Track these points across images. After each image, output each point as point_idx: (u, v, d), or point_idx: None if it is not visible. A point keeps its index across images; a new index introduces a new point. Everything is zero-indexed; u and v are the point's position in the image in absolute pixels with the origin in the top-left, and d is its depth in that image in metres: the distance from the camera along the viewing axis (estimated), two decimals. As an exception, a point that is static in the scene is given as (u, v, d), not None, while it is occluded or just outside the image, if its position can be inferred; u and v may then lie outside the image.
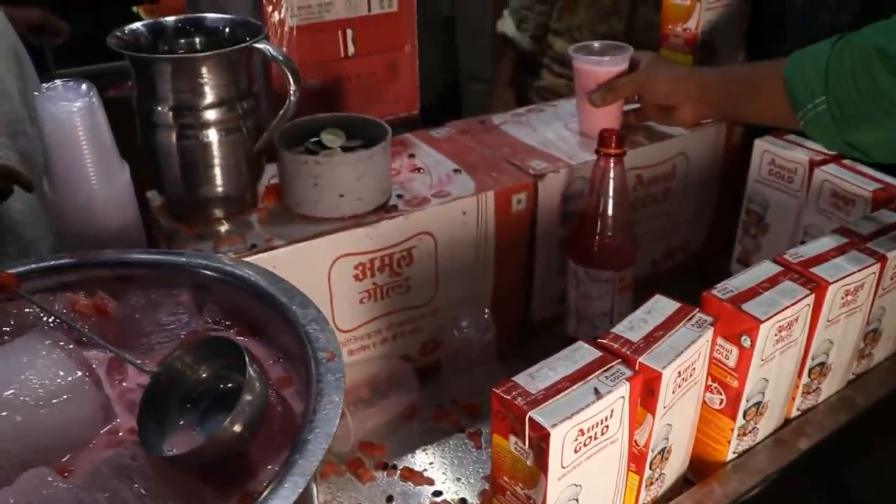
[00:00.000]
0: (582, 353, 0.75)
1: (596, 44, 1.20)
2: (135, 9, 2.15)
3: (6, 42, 1.63)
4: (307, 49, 1.14)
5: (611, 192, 1.00)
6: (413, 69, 1.24)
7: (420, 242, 1.00)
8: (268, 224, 0.96)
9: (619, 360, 0.74)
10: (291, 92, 0.90)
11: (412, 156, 1.12)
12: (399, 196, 1.01)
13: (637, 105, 1.19)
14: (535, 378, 0.72)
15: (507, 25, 2.03)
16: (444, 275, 1.04)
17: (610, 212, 1.01)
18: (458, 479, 0.96)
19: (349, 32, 1.16)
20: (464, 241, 1.03)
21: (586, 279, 1.05)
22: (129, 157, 0.94)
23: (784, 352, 0.87)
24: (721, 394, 0.86)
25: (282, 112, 0.92)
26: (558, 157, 1.12)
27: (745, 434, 0.90)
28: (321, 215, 0.96)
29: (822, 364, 0.96)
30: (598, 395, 0.70)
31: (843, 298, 0.90)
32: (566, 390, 0.70)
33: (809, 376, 0.95)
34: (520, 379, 0.72)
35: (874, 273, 0.92)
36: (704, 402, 0.88)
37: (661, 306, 0.82)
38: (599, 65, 1.16)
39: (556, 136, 1.19)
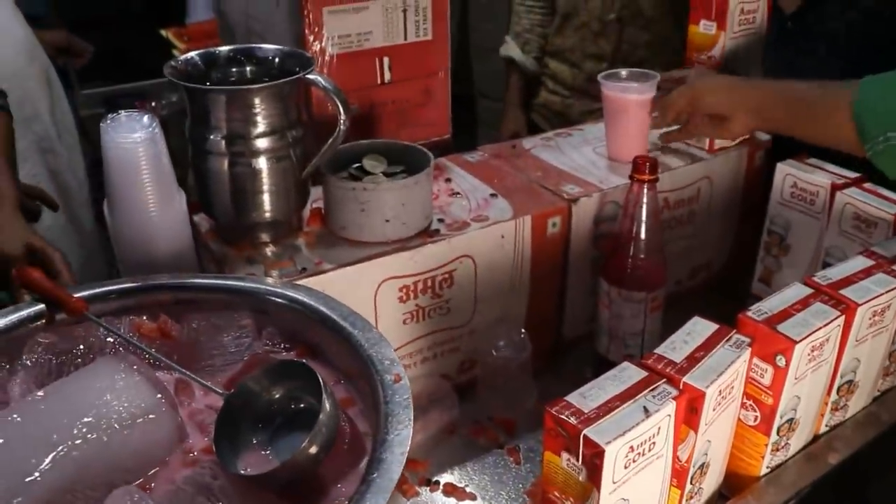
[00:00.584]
0: (629, 373, 0.79)
1: (624, 71, 1.24)
2: (163, 32, 2.19)
3: (39, 64, 1.68)
4: (346, 76, 1.17)
5: (644, 217, 1.04)
6: (446, 94, 1.29)
7: (460, 265, 1.03)
8: (315, 248, 1.00)
9: (664, 379, 0.78)
10: (342, 122, 0.94)
11: (448, 180, 1.16)
12: (440, 220, 1.05)
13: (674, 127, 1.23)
14: (587, 397, 0.75)
15: (511, 49, 2.10)
16: (483, 296, 1.08)
17: (643, 235, 1.05)
18: (500, 494, 0.99)
19: (386, 60, 1.20)
20: (501, 263, 1.07)
21: (619, 299, 1.08)
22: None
23: (816, 370, 0.91)
24: (756, 411, 0.90)
25: (331, 140, 0.96)
26: (589, 182, 1.16)
27: (777, 450, 0.94)
28: (367, 239, 0.99)
29: (850, 381, 0.99)
30: (647, 413, 0.73)
31: (870, 319, 0.94)
32: (617, 409, 0.73)
33: (838, 393, 0.99)
34: (572, 398, 0.75)
35: (901, 294, 0.96)
36: (739, 418, 0.91)
37: (700, 328, 0.86)
38: (627, 91, 1.20)
39: (586, 161, 1.23)
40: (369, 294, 0.98)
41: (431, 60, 1.24)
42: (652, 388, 0.76)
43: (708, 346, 0.83)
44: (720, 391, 0.80)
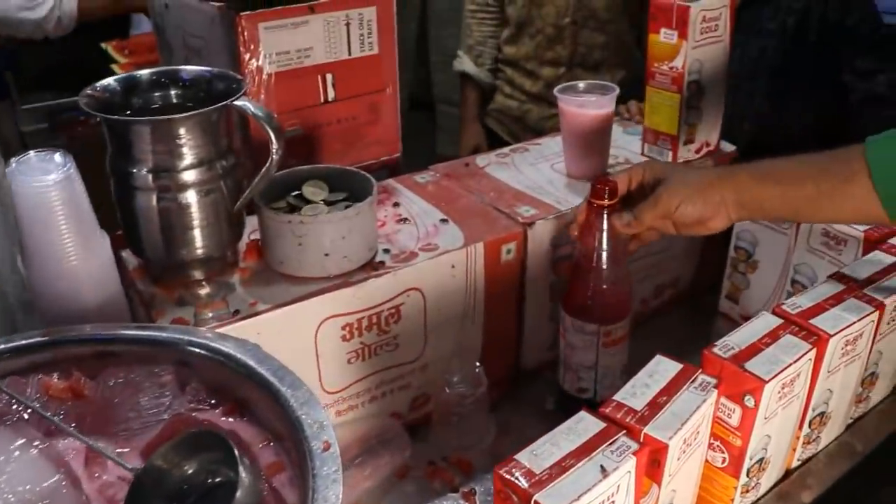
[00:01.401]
0: (585, 424, 0.72)
1: (581, 84, 1.18)
2: (104, 45, 2.10)
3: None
4: (286, 95, 1.10)
5: (603, 245, 0.97)
6: (395, 111, 1.22)
7: (408, 299, 0.97)
8: (251, 285, 0.93)
9: (624, 431, 0.72)
10: (273, 151, 0.87)
11: (397, 204, 1.09)
12: (385, 251, 0.98)
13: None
14: (539, 455, 0.69)
15: (465, 64, 2.07)
16: (433, 329, 1.01)
17: (601, 265, 0.98)
18: (455, 543, 0.93)
19: (329, 77, 1.13)
20: (453, 294, 1.01)
21: (572, 329, 1.02)
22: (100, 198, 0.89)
23: (786, 407, 0.85)
24: (724, 452, 0.84)
25: (263, 171, 0.88)
26: (546, 203, 1.10)
27: (747, 491, 0.88)
28: (306, 275, 0.92)
29: (822, 413, 0.94)
30: (604, 472, 0.67)
31: (843, 349, 0.88)
32: (571, 469, 0.67)
33: (810, 426, 0.93)
34: (522, 457, 0.69)
35: (873, 321, 0.91)
36: (707, 460, 0.85)
37: (663, 368, 0.80)
38: (584, 106, 1.14)
39: (543, 179, 1.17)
40: (309, 334, 0.91)
41: (378, 76, 1.17)
42: (610, 442, 0.70)
43: (671, 389, 0.77)
44: (685, 440, 0.74)
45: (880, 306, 0.91)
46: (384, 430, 1.01)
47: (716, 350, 0.82)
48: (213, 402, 0.76)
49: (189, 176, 0.87)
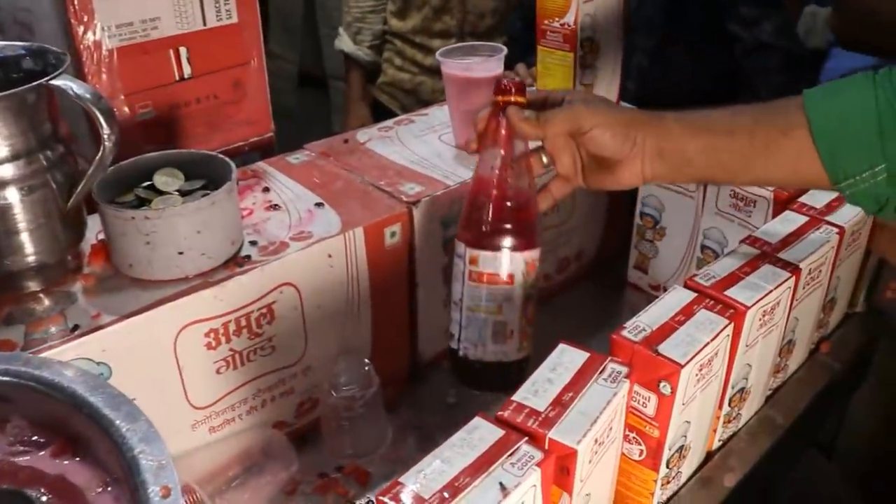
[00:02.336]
0: (481, 433, 0.62)
1: (465, 45, 1.08)
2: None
3: None
4: (133, 74, 0.96)
5: (499, 148, 0.80)
6: (263, 86, 1.09)
7: (281, 296, 0.85)
8: (95, 294, 0.80)
9: (526, 438, 0.62)
10: (105, 137, 0.74)
11: (267, 189, 0.97)
12: (252, 243, 0.86)
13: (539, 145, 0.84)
14: (428, 476, 0.59)
15: (344, 42, 1.98)
16: (314, 328, 0.90)
17: (489, 170, 0.80)
18: (352, 567, 0.83)
19: (183, 51, 0.99)
20: (332, 287, 0.90)
21: (454, 253, 0.85)
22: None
23: (705, 389, 0.77)
24: (640, 444, 0.76)
25: (96, 162, 0.75)
26: (434, 178, 0.99)
27: (668, 482, 0.80)
28: (159, 277, 0.80)
29: (742, 389, 0.87)
30: (504, 490, 0.58)
31: (760, 320, 0.81)
32: (465, 489, 0.57)
33: (730, 405, 0.86)
34: (409, 479, 0.58)
35: (790, 288, 0.84)
36: (623, 452, 0.77)
37: (568, 359, 0.71)
38: (470, 69, 1.04)
39: (430, 152, 1.07)
40: (167, 345, 0.79)
41: (240, 48, 1.04)
42: (510, 452, 0.60)
43: (578, 383, 0.68)
44: (596, 440, 0.65)
45: (796, 271, 0.84)
46: (267, 443, 0.90)
47: (625, 333, 0.74)
48: (39, 440, 0.63)
49: (5, 171, 0.74)
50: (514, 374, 0.84)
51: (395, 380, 1.02)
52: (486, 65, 1.03)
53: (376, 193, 0.96)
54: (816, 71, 1.57)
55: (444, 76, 1.05)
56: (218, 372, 0.84)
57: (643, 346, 0.72)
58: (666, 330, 0.74)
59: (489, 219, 0.80)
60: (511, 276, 0.81)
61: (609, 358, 0.71)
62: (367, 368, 0.92)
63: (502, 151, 0.80)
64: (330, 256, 0.88)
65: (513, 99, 0.79)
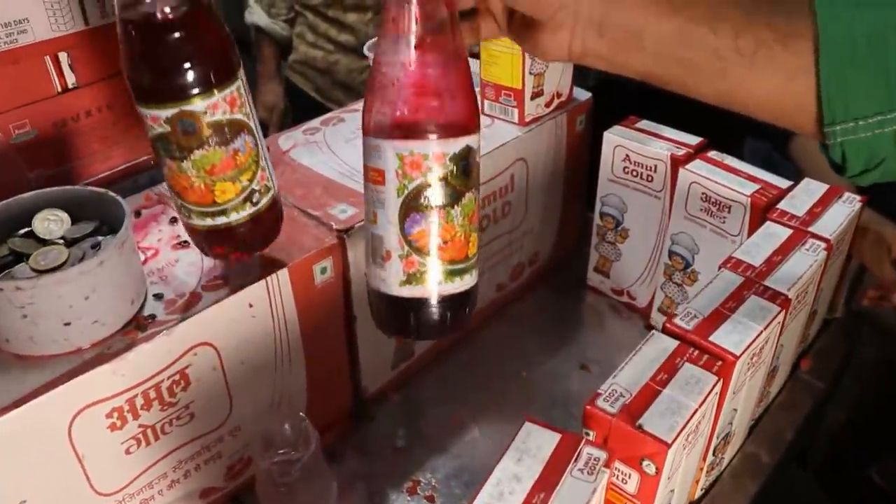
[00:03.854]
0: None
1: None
2: None
3: None
4: (1, 89, 0.81)
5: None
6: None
7: (196, 358, 0.72)
8: (-35, 377, 0.66)
9: (494, 562, 0.51)
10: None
11: (174, 220, 0.83)
12: (158, 297, 0.73)
13: None
14: None
15: (256, 15, 1.83)
16: (239, 385, 0.78)
17: (400, 34, 0.56)
18: None
19: (63, 57, 0.84)
20: (257, 338, 0.77)
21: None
22: None
23: (690, 452, 0.67)
24: (619, 519, 0.66)
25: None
26: (369, 195, 0.86)
27: (650, 552, 0.71)
28: (43, 353, 0.66)
29: (727, 434, 0.77)
30: None
31: (748, 363, 0.71)
32: None
33: (714, 454, 0.76)
34: None
35: (779, 323, 0.74)
36: (599, 527, 0.67)
37: (535, 444, 0.60)
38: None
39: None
40: (59, 435, 0.66)
41: (133, 47, 0.89)
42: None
43: (549, 478, 0.57)
44: (574, 550, 0.55)
45: (785, 302, 0.74)
46: (191, 520, 0.78)
47: (601, 403, 0.63)
48: None
49: None
50: (409, 315, 0.63)
51: (337, 422, 0.90)
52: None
53: (302, 220, 0.83)
54: None
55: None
56: (128, 452, 0.71)
57: (623, 419, 0.61)
58: (647, 395, 0.64)
59: (370, 95, 0.58)
60: (381, 174, 0.59)
61: (584, 439, 0.60)
62: (303, 423, 0.80)
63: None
64: (251, 306, 0.75)
65: None
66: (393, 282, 0.61)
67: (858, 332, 1.00)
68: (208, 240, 0.71)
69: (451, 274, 0.61)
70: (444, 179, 0.58)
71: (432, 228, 0.59)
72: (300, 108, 1.88)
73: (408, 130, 0.57)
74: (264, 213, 0.71)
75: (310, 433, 0.80)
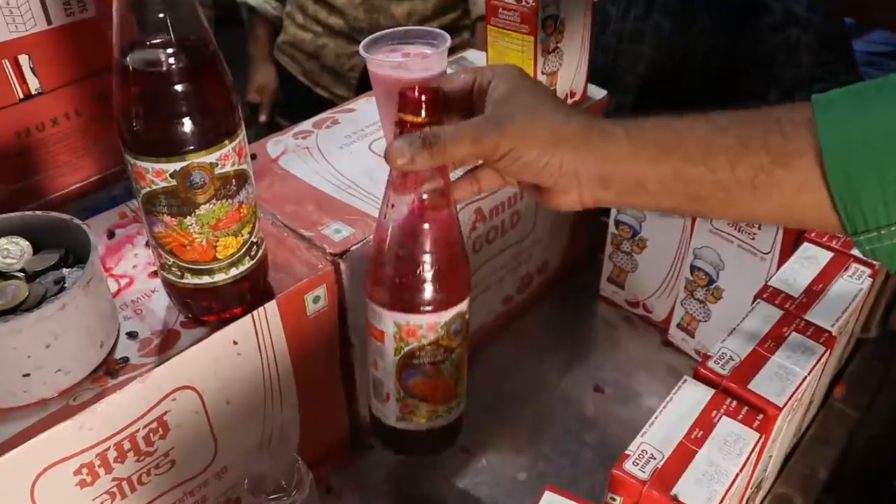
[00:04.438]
0: None
1: (396, 31, 0.85)
2: None
3: None
4: (-43, 95, 0.73)
5: (398, 189, 0.64)
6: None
7: (175, 404, 0.65)
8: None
9: None
10: None
11: (151, 242, 0.75)
12: (131, 335, 0.65)
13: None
14: None
15: None
16: (224, 427, 0.70)
17: (391, 222, 0.64)
18: None
19: (24, 60, 0.75)
20: (243, 376, 0.70)
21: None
22: None
23: (726, 513, 0.60)
24: (647, 589, 0.59)
25: None
26: (364, 211, 0.79)
27: None
28: (0, 406, 0.59)
29: (760, 481, 0.70)
30: None
31: (791, 407, 0.64)
32: None
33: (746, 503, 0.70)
34: None
35: (823, 364, 0.66)
36: None
37: (557, 520, 0.53)
38: (403, 69, 0.81)
39: (360, 170, 0.85)
40: (21, 498, 0.59)
41: (103, 48, 0.80)
42: None
43: (574, 562, 0.50)
44: None
45: (830, 340, 0.66)
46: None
47: (629, 468, 0.56)
48: None
49: None
50: (405, 441, 0.74)
51: (332, 453, 0.84)
52: (425, 62, 0.81)
53: (292, 241, 0.75)
54: (849, 54, 1.30)
55: (371, 75, 0.83)
56: (99, 508, 0.64)
57: (654, 487, 0.54)
58: (680, 457, 0.57)
59: (371, 266, 0.67)
60: (381, 334, 0.67)
61: (613, 513, 0.53)
62: (297, 466, 0.73)
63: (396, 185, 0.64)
64: (236, 343, 0.67)
65: (419, 119, 0.59)
66: (391, 417, 0.71)
67: (893, 353, 0.93)
68: (196, 298, 0.64)
69: (441, 412, 0.71)
70: (436, 342, 0.66)
71: (425, 380, 0.68)
72: (287, 92, 1.81)
73: (405, 306, 0.65)
74: (261, 265, 0.67)
75: (303, 474, 0.73)
